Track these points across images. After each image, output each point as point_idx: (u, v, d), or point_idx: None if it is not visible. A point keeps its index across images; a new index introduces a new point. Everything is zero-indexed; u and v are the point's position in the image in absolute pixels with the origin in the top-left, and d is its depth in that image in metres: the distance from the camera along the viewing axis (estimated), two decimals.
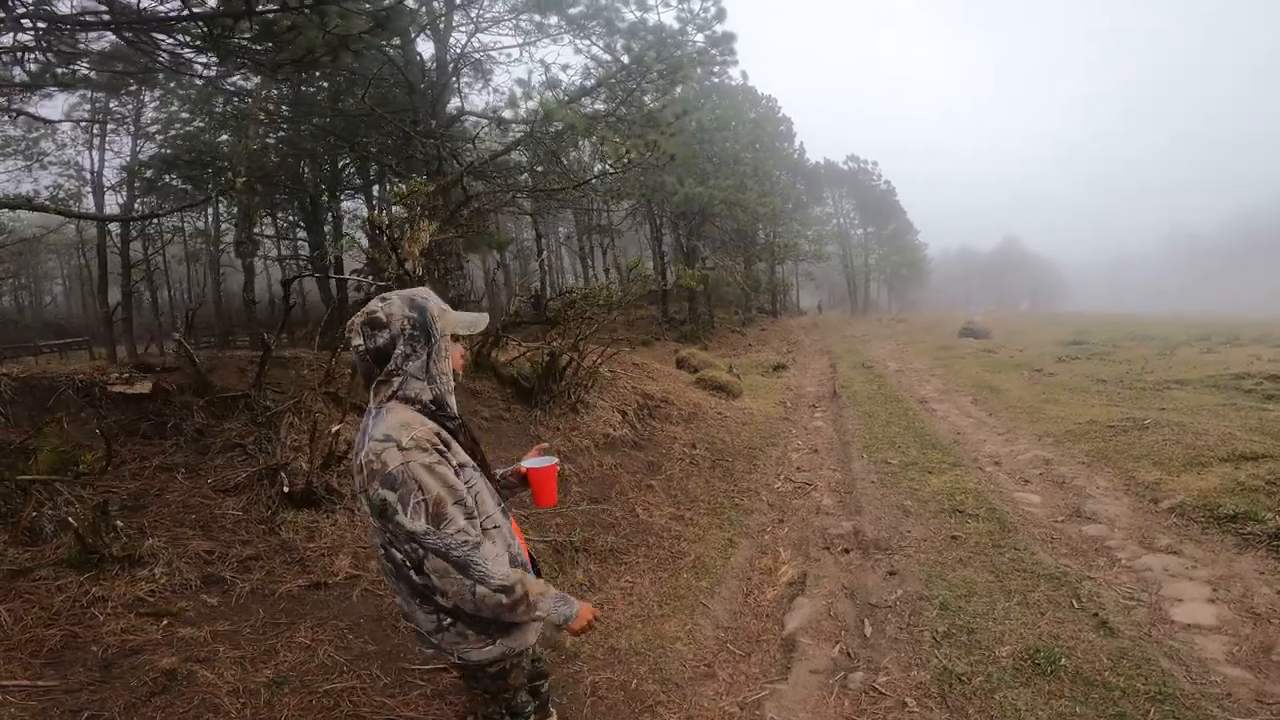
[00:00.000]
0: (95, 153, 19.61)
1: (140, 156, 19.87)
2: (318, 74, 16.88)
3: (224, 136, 18.25)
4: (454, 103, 14.66)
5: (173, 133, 20.28)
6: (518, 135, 12.04)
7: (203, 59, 7.05)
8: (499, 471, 2.00)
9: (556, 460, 2.04)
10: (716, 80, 25.82)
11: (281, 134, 17.29)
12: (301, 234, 23.29)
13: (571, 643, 3.15)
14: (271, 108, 14.49)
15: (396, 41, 13.10)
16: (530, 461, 2.01)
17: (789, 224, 32.97)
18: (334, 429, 3.23)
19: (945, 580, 3.92)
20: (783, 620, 3.67)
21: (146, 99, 19.85)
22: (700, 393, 9.04)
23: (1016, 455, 6.27)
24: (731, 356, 17.98)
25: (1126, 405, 7.95)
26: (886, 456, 6.36)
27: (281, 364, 5.05)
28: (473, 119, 13.55)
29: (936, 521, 4.76)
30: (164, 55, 7.26)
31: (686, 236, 23.73)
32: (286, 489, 3.43)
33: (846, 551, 4.55)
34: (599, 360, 6.43)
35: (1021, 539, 4.39)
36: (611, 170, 9.40)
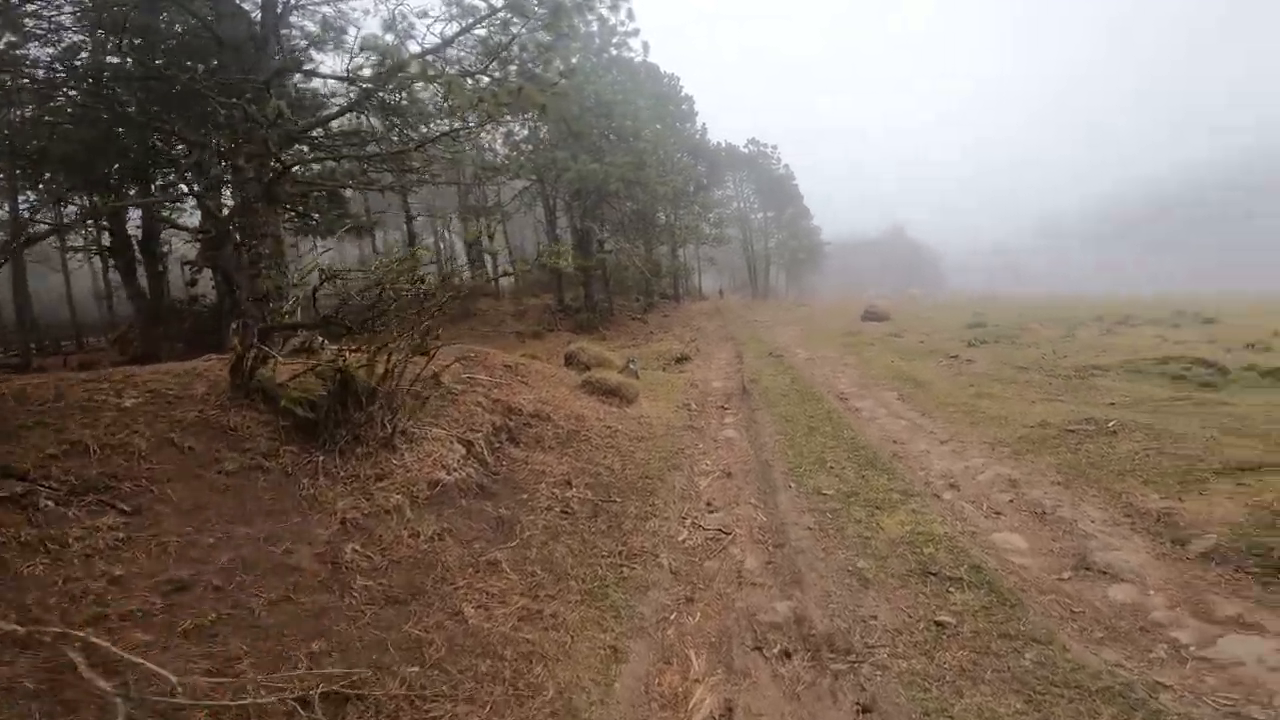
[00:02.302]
0: None
1: None
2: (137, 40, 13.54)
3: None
4: (304, 65, 12.00)
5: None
6: (354, 96, 9.67)
7: None
8: None
9: None
10: (615, 53, 24.24)
11: (82, 108, 13.75)
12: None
13: None
14: (34, 73, 11.13)
15: None
16: None
17: (690, 206, 31.71)
18: None
19: (952, 719, 2.47)
20: None
21: None
22: (587, 400, 7.34)
23: (974, 474, 5.02)
24: (631, 347, 16.43)
25: (1068, 400, 7.04)
26: (819, 483, 4.93)
27: None
28: (317, 80, 11.00)
29: (907, 594, 3.34)
30: None
31: (581, 218, 21.87)
32: None
33: (788, 656, 3.02)
34: (424, 368, 4.53)
35: (1034, 620, 3.03)
36: (467, 126, 7.39)
